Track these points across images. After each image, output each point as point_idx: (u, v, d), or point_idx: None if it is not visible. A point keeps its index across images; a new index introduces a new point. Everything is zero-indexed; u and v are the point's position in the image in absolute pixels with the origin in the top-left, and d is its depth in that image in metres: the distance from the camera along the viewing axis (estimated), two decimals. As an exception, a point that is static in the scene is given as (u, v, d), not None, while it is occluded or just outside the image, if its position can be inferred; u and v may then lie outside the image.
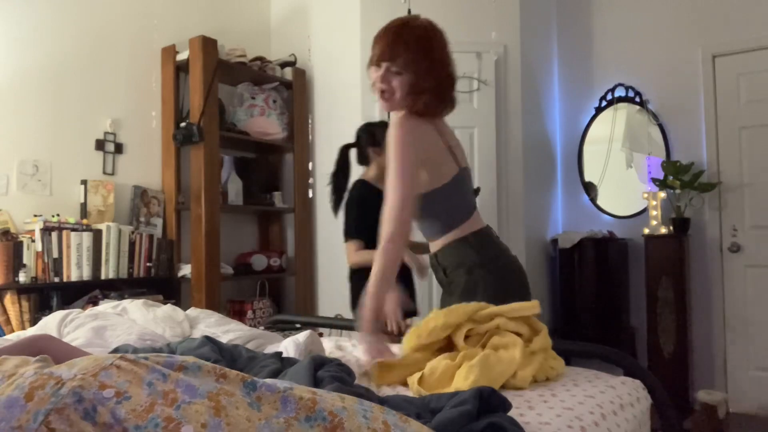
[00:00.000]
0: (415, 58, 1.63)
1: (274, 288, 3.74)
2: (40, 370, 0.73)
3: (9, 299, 2.57)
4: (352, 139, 2.61)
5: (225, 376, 0.79)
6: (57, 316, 1.83)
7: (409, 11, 2.95)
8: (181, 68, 3.34)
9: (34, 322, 2.54)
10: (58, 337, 1.70)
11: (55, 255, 2.69)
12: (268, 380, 0.81)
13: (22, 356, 0.88)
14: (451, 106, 1.76)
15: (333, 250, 3.66)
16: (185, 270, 3.22)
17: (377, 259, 1.56)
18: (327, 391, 0.86)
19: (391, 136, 1.63)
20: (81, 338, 1.66)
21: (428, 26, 1.70)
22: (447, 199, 1.73)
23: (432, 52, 1.66)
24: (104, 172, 3.09)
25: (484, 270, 1.70)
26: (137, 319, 1.89)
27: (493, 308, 1.44)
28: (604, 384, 1.38)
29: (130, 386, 0.72)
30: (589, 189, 4.22)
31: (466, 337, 1.41)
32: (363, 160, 2.64)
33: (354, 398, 0.85)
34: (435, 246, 1.80)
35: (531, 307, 1.44)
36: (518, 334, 1.40)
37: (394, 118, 1.70)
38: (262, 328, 2.23)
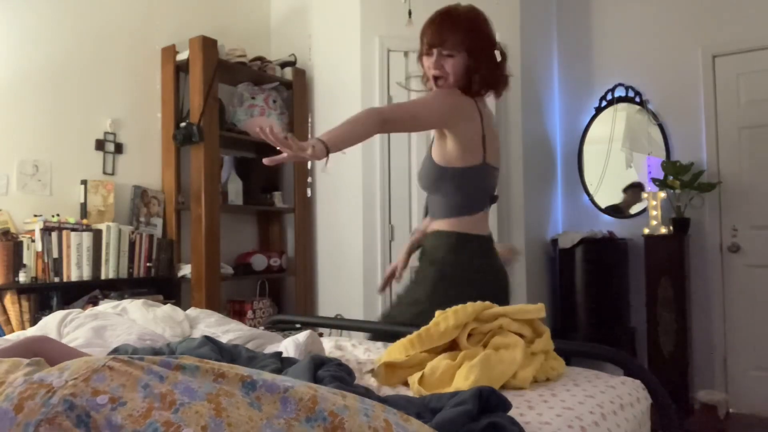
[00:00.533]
0: (463, 38, 1.70)
1: (274, 288, 3.74)
2: (30, 377, 0.72)
3: (9, 299, 2.57)
4: None
5: (223, 376, 0.78)
6: (57, 316, 1.83)
7: (410, 12, 2.95)
8: (181, 68, 3.34)
9: (34, 322, 2.54)
10: (58, 338, 1.70)
11: (55, 255, 2.69)
12: (267, 377, 0.80)
13: (13, 359, 0.86)
14: (505, 82, 1.80)
15: (333, 250, 3.66)
16: (185, 270, 3.22)
17: (356, 117, 1.56)
18: (328, 388, 0.86)
19: (435, 93, 1.72)
20: (81, 338, 1.66)
21: (470, 8, 1.76)
22: (459, 184, 1.76)
23: (478, 31, 1.72)
24: (104, 172, 3.09)
25: (448, 273, 1.74)
26: (137, 319, 1.89)
27: (498, 308, 1.44)
28: (604, 384, 1.38)
29: (125, 390, 0.70)
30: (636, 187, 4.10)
31: (469, 335, 1.40)
32: None
33: (355, 396, 0.84)
34: (432, 226, 1.84)
35: (536, 310, 1.44)
36: (521, 335, 1.40)
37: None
38: (262, 328, 2.23)
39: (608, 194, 4.16)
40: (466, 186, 1.76)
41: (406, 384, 1.38)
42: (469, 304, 1.42)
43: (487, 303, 1.45)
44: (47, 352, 1.15)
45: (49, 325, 1.79)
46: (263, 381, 0.79)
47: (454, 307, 1.41)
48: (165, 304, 2.07)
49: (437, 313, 1.42)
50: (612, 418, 1.22)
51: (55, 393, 0.68)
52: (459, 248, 1.75)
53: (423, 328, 1.41)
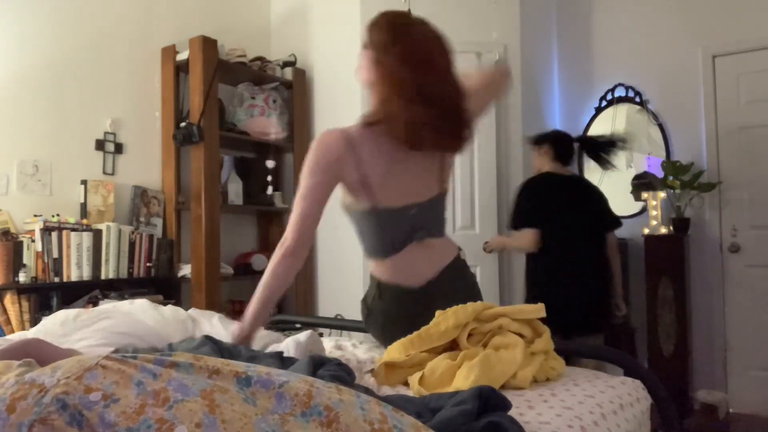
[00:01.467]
0: (370, 56, 1.53)
1: (274, 288, 3.74)
2: (21, 378, 0.71)
3: (9, 299, 2.57)
4: None
5: (218, 372, 0.77)
6: (63, 315, 1.82)
7: (409, 12, 2.95)
8: (181, 68, 3.34)
9: (34, 322, 2.54)
10: (64, 336, 1.70)
11: (55, 255, 2.69)
12: (262, 372, 0.80)
13: (4, 362, 0.86)
14: (413, 137, 1.48)
15: (333, 250, 3.66)
16: (185, 270, 3.22)
17: (267, 272, 1.52)
18: (324, 382, 0.86)
19: (309, 152, 1.54)
20: (90, 338, 1.65)
21: (423, 29, 1.52)
22: (361, 226, 1.65)
23: (391, 60, 1.48)
24: (104, 172, 3.09)
25: (372, 313, 1.69)
26: (145, 320, 1.89)
27: (498, 308, 1.44)
28: (603, 384, 1.38)
29: (118, 387, 0.70)
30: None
31: (469, 335, 1.41)
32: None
33: (351, 391, 0.85)
34: None
35: (535, 310, 1.43)
36: (520, 335, 1.40)
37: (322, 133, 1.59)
38: (262, 328, 2.23)
39: (608, 194, 4.14)
40: (367, 231, 1.62)
41: (406, 384, 1.38)
42: (470, 304, 1.42)
43: (488, 303, 1.45)
44: (41, 354, 1.15)
45: (55, 322, 1.78)
46: (258, 377, 0.79)
47: (455, 307, 1.41)
48: (165, 304, 2.07)
49: (437, 313, 1.42)
50: (612, 417, 1.22)
51: (47, 392, 0.67)
52: (380, 292, 1.66)
53: (423, 328, 1.41)
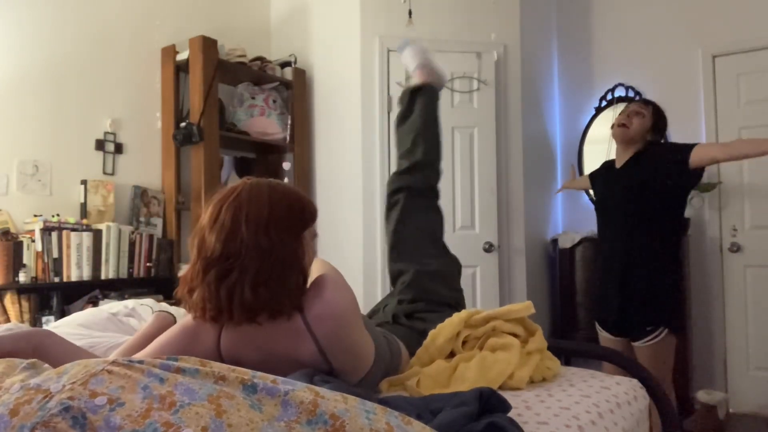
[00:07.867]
0: None
1: (274, 288, 3.74)
2: (27, 383, 0.71)
3: (9, 299, 2.57)
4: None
5: (224, 378, 0.78)
6: (107, 307, 1.82)
7: (410, 12, 2.95)
8: (181, 68, 3.34)
9: (34, 322, 2.54)
10: (117, 329, 1.70)
11: (55, 255, 2.69)
12: (268, 379, 0.80)
13: (8, 361, 0.86)
14: None
15: (333, 250, 3.66)
16: (185, 270, 3.22)
17: None
18: (330, 391, 0.86)
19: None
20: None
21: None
22: None
23: None
24: (104, 172, 3.09)
25: None
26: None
27: (486, 312, 1.45)
28: (599, 383, 1.39)
29: (124, 392, 0.70)
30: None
31: (464, 342, 1.41)
32: None
33: (356, 399, 0.85)
34: None
35: (525, 308, 1.44)
36: (514, 335, 1.41)
37: None
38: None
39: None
40: None
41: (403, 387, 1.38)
42: (455, 314, 1.43)
43: (473, 309, 1.47)
44: (47, 348, 1.15)
45: (95, 312, 1.78)
46: (263, 384, 0.79)
47: (441, 324, 1.43)
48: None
49: (430, 333, 1.44)
50: (609, 416, 1.22)
51: (52, 397, 0.68)
52: None
53: (420, 350, 1.42)
